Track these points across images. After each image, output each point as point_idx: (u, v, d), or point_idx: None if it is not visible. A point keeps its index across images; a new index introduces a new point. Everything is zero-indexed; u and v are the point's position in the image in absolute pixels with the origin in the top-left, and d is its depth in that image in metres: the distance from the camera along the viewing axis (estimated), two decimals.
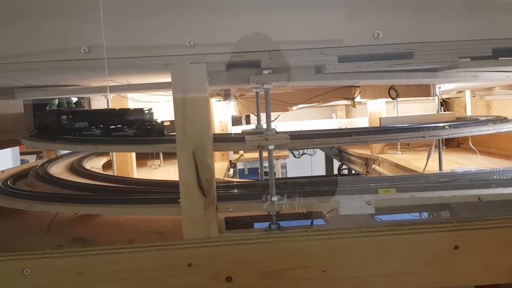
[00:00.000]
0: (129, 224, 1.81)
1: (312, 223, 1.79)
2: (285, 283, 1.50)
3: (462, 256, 1.51)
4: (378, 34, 1.45)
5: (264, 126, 1.66)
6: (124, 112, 1.93)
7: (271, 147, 1.54)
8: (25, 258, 1.48)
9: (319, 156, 6.80)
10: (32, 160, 5.80)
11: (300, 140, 1.63)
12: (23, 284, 1.47)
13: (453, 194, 1.57)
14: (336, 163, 4.81)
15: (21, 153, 6.37)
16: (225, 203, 1.55)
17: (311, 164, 8.75)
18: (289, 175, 8.83)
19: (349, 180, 1.75)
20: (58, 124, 1.95)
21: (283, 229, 1.56)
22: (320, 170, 8.13)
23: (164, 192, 1.77)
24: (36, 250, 1.50)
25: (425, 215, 2.17)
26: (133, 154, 2.82)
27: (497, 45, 1.45)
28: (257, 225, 1.79)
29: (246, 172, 9.28)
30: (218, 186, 1.60)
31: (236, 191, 1.71)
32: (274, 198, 1.54)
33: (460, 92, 3.43)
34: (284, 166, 8.85)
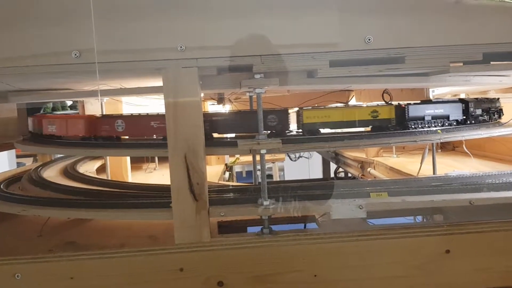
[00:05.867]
0: (121, 229, 1.80)
1: (305, 227, 1.79)
2: (277, 287, 1.50)
3: (453, 260, 1.51)
4: (369, 39, 1.45)
5: None
6: None
7: (263, 151, 1.54)
8: (16, 263, 1.48)
9: (317, 159, 6.79)
10: (29, 163, 5.76)
11: (292, 144, 1.63)
12: None
13: (444, 198, 1.57)
14: (333, 166, 4.80)
15: (18, 156, 6.33)
16: (217, 207, 1.55)
17: (308, 166, 8.75)
18: (286, 178, 8.84)
19: (341, 184, 1.75)
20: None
21: (275, 233, 1.56)
22: (318, 173, 8.13)
23: (156, 197, 1.77)
24: (27, 255, 1.50)
25: (419, 219, 2.17)
26: (128, 157, 2.81)
27: (487, 50, 1.45)
28: (251, 229, 1.79)
29: (244, 175, 9.29)
30: (211, 190, 1.59)
31: (228, 195, 1.71)
32: (266, 202, 1.54)
33: (455, 95, 3.43)
34: (282, 169, 8.86)
